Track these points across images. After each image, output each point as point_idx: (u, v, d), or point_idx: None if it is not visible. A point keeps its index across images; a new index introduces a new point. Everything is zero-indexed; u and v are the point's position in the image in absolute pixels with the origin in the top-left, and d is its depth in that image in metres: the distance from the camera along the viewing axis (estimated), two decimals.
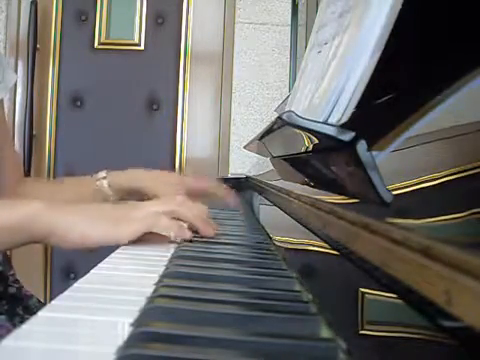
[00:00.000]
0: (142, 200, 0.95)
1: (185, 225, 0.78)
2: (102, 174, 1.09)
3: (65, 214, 0.73)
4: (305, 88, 0.74)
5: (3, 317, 0.92)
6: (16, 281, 1.01)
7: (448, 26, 0.45)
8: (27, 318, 0.42)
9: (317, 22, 0.79)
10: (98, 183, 1.08)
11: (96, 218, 0.73)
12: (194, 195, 1.06)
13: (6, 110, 2.29)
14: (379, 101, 0.50)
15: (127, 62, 2.37)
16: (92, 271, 0.60)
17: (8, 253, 1.06)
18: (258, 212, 1.13)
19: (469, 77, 0.37)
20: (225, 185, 1.19)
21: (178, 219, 0.77)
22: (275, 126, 0.74)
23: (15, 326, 0.52)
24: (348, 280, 0.42)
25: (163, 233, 0.73)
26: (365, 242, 0.35)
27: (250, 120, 2.35)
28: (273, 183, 0.89)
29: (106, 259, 0.66)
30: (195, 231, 0.79)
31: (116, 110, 2.36)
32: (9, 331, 0.38)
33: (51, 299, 0.49)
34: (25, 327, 0.40)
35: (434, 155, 0.38)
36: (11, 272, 1.01)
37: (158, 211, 0.74)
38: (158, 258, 0.67)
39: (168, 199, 0.81)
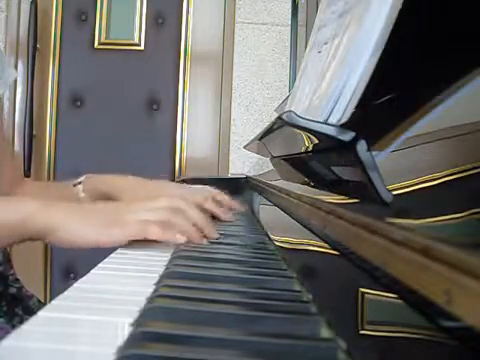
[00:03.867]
0: None
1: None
2: (81, 179, 1.10)
3: (60, 213, 0.73)
4: (305, 88, 0.74)
5: (2, 319, 0.92)
6: (16, 281, 1.01)
7: (448, 26, 0.45)
8: (27, 319, 0.42)
9: (317, 22, 0.79)
10: (75, 189, 1.08)
11: (90, 219, 0.73)
12: None
13: (5, 110, 2.30)
14: (379, 101, 0.50)
15: (127, 62, 2.37)
16: (92, 271, 0.60)
17: (8, 251, 1.06)
18: (258, 212, 1.13)
19: (469, 77, 0.37)
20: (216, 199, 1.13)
21: None
22: (275, 126, 0.74)
23: (14, 327, 0.52)
24: (348, 280, 0.42)
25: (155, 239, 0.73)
26: (365, 242, 0.35)
27: (250, 120, 2.35)
28: (273, 183, 0.89)
29: (106, 259, 0.66)
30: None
31: (116, 110, 2.36)
32: (8, 333, 0.38)
33: (51, 299, 0.49)
34: (25, 327, 0.40)
35: (434, 155, 0.38)
36: (11, 272, 1.01)
37: (151, 220, 0.73)
38: (158, 258, 0.67)
39: (165, 202, 0.78)
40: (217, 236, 0.79)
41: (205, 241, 0.76)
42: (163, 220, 0.73)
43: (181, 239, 0.73)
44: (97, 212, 0.75)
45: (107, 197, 1.07)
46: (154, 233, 0.71)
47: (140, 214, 0.74)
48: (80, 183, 1.08)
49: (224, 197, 1.10)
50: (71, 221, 0.72)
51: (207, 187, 1.12)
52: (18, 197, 1.01)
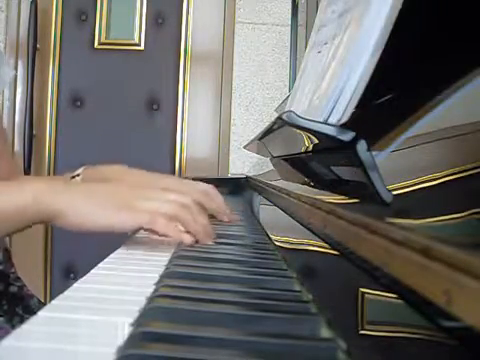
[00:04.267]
0: None
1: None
2: (80, 170, 1.09)
3: (68, 195, 0.71)
4: (305, 88, 0.74)
5: (2, 319, 0.92)
6: (17, 279, 1.01)
7: (448, 26, 0.45)
8: (27, 318, 0.42)
9: (317, 22, 0.79)
10: (73, 180, 1.07)
11: (101, 201, 0.71)
12: None
13: (5, 110, 2.30)
14: (379, 101, 0.50)
15: (127, 62, 2.37)
16: (92, 271, 0.60)
17: (9, 249, 1.06)
18: (258, 212, 1.13)
19: (469, 77, 0.37)
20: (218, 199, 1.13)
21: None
22: (275, 126, 0.74)
23: (14, 327, 0.51)
24: (348, 280, 0.42)
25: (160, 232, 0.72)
26: (365, 242, 0.35)
27: (250, 120, 2.35)
28: (273, 183, 0.89)
29: (106, 259, 0.66)
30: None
31: (116, 110, 2.36)
32: (8, 333, 0.38)
33: (51, 299, 0.49)
34: (25, 327, 0.40)
35: (434, 155, 0.38)
36: (12, 270, 1.01)
37: (160, 211, 0.72)
38: (158, 258, 0.67)
39: (174, 196, 0.75)
40: (215, 238, 0.78)
41: (210, 241, 0.75)
42: (171, 214, 0.72)
43: (187, 239, 0.72)
44: (107, 194, 0.73)
45: None
46: (162, 227, 0.70)
47: (151, 203, 0.72)
48: (78, 175, 1.08)
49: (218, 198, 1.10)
50: (81, 204, 0.70)
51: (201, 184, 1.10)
52: (22, 178, 1.00)
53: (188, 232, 0.74)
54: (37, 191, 0.70)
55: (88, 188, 0.76)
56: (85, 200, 0.71)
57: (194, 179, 1.38)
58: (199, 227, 0.74)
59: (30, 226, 0.73)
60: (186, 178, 1.49)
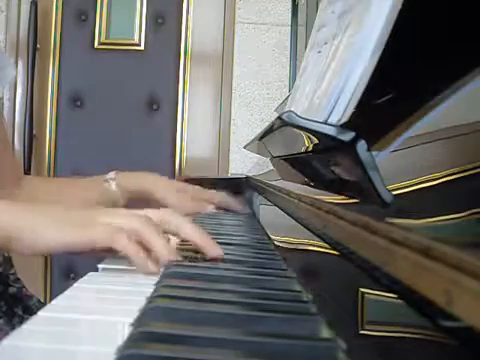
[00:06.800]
0: (148, 205, 0.86)
1: (170, 241, 0.68)
2: (111, 175, 1.07)
3: (23, 216, 0.64)
4: (305, 88, 0.74)
5: (1, 321, 0.92)
6: (17, 280, 1.01)
7: (448, 26, 0.45)
8: (27, 319, 0.42)
9: (317, 22, 0.79)
10: (106, 184, 1.06)
11: (58, 220, 0.64)
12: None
13: (6, 110, 2.30)
14: (379, 101, 0.50)
15: (127, 62, 2.37)
16: (92, 271, 0.60)
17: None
18: (258, 212, 1.13)
19: (469, 77, 0.37)
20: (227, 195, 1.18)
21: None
22: (275, 126, 0.74)
23: (14, 328, 0.50)
24: (348, 280, 0.42)
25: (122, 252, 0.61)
26: (365, 242, 0.35)
27: (250, 120, 2.35)
28: (273, 183, 0.89)
29: (106, 259, 0.66)
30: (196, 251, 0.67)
31: (116, 110, 2.36)
32: (7, 335, 0.38)
33: (51, 299, 0.49)
34: (25, 327, 0.40)
35: (434, 155, 0.38)
36: (12, 271, 1.01)
37: (121, 226, 0.62)
38: None
39: (138, 211, 0.66)
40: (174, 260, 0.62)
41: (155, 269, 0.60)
42: (130, 228, 0.62)
43: (152, 268, 0.60)
44: (66, 213, 0.66)
45: (139, 194, 1.06)
46: (120, 243, 0.60)
47: (115, 218, 0.64)
48: (113, 179, 1.05)
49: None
50: (28, 225, 0.63)
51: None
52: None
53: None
54: None
55: (42, 208, 0.69)
56: (42, 220, 0.64)
57: (194, 179, 1.39)
58: (163, 243, 0.63)
59: None
60: (186, 178, 1.50)
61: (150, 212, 0.67)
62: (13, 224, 0.63)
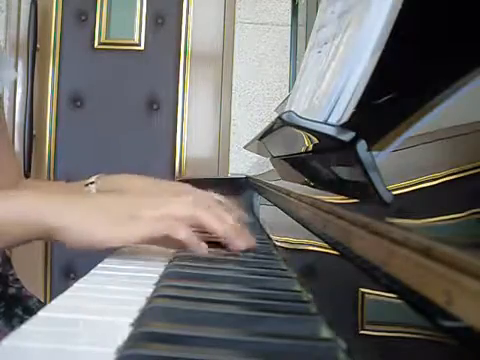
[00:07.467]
0: None
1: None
2: (92, 179, 1.06)
3: (65, 209, 0.65)
4: (305, 88, 0.74)
5: (0, 322, 0.92)
6: (16, 281, 1.01)
7: (448, 26, 0.45)
8: (27, 319, 0.42)
9: (317, 22, 0.79)
10: (86, 189, 1.05)
11: (101, 215, 0.64)
12: None
13: (6, 110, 2.29)
14: (379, 101, 0.50)
15: (127, 62, 2.37)
16: (92, 271, 0.60)
17: (8, 253, 1.06)
18: (258, 212, 1.13)
19: (469, 77, 0.37)
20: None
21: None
22: (275, 126, 0.74)
23: (13, 329, 0.50)
24: (348, 280, 0.42)
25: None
26: (365, 242, 0.35)
27: (250, 120, 2.35)
28: (273, 183, 0.89)
29: (106, 259, 0.66)
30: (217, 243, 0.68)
31: (116, 110, 2.36)
32: (6, 335, 0.38)
33: (51, 299, 0.49)
34: (25, 327, 0.40)
35: (434, 155, 0.38)
36: (11, 272, 1.01)
37: (175, 215, 0.63)
38: (158, 258, 0.67)
39: (191, 197, 0.67)
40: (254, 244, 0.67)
41: (246, 246, 0.65)
42: (188, 215, 0.63)
43: (204, 250, 0.63)
44: (110, 206, 0.66)
45: None
46: (184, 233, 0.62)
47: (159, 209, 0.64)
48: (92, 183, 1.05)
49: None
50: (76, 219, 0.63)
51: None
52: (15, 191, 0.98)
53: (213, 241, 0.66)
54: (24, 204, 0.64)
55: (85, 200, 0.69)
56: (80, 214, 0.64)
57: (194, 179, 1.38)
58: (227, 226, 0.65)
59: (30, 241, 0.67)
60: (186, 178, 1.49)
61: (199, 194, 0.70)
62: (56, 215, 0.63)
